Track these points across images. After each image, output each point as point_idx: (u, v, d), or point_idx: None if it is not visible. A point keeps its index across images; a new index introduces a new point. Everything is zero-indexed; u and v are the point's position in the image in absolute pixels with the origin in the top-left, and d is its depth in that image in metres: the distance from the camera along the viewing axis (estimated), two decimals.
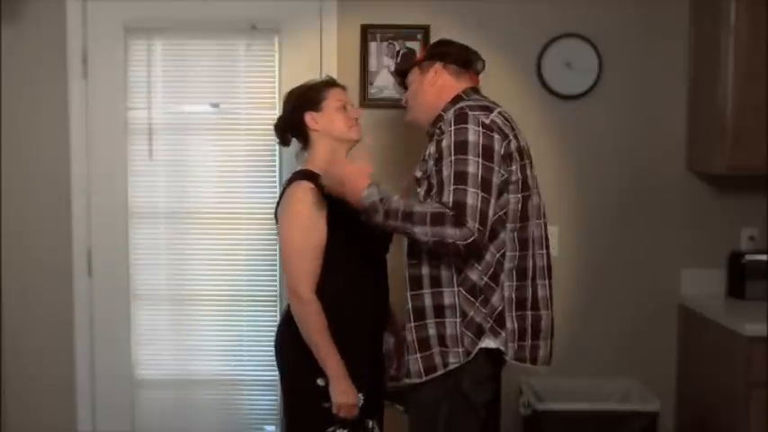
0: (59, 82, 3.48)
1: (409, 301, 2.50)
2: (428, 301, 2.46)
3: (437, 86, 2.61)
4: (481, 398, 2.51)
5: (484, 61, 2.69)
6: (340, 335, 2.59)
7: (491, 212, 2.35)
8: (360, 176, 2.47)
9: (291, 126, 2.77)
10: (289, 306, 2.69)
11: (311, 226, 2.58)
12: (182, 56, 3.55)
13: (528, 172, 2.49)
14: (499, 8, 3.49)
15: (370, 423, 2.68)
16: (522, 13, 3.50)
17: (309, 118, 2.71)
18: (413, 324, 2.49)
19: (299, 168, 2.75)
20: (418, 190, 2.52)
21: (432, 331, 2.46)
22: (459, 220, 2.30)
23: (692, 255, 3.57)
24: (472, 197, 2.32)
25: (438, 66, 2.63)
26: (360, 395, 2.61)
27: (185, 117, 3.56)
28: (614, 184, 3.56)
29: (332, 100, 2.73)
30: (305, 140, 2.77)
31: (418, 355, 2.48)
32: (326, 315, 2.58)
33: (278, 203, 2.70)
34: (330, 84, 2.78)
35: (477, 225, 2.31)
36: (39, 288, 3.54)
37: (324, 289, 2.60)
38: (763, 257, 3.47)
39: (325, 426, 2.60)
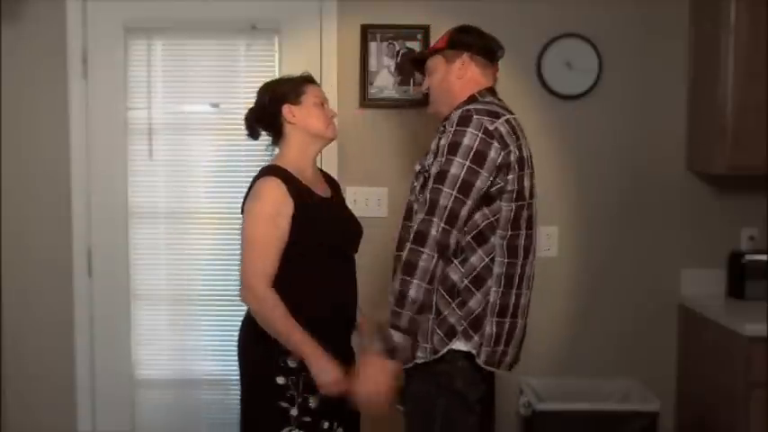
0: (59, 82, 3.48)
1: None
2: None
3: (465, 80, 2.57)
4: (474, 395, 2.51)
5: (504, 48, 2.66)
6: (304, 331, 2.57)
7: (464, 213, 2.35)
8: (381, 379, 2.42)
9: (265, 118, 2.71)
10: None
11: (273, 224, 2.54)
12: (182, 56, 3.56)
13: (525, 182, 2.47)
14: (499, 8, 3.49)
15: (326, 424, 2.61)
16: (522, 13, 3.50)
17: (287, 110, 2.67)
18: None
19: (269, 165, 2.69)
20: (414, 183, 2.52)
21: None
22: (416, 247, 2.31)
23: (692, 255, 3.57)
24: (445, 197, 2.34)
25: (466, 57, 2.58)
26: (317, 395, 2.56)
27: (185, 117, 3.56)
28: (614, 184, 3.56)
29: (311, 95, 2.69)
30: (277, 134, 2.72)
31: None
32: (292, 313, 2.55)
33: (245, 198, 2.65)
34: (309, 79, 2.75)
35: (441, 224, 2.32)
36: (39, 288, 3.54)
37: (291, 286, 2.56)
38: (763, 257, 3.47)
39: (281, 426, 2.56)
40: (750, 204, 3.56)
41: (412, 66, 2.87)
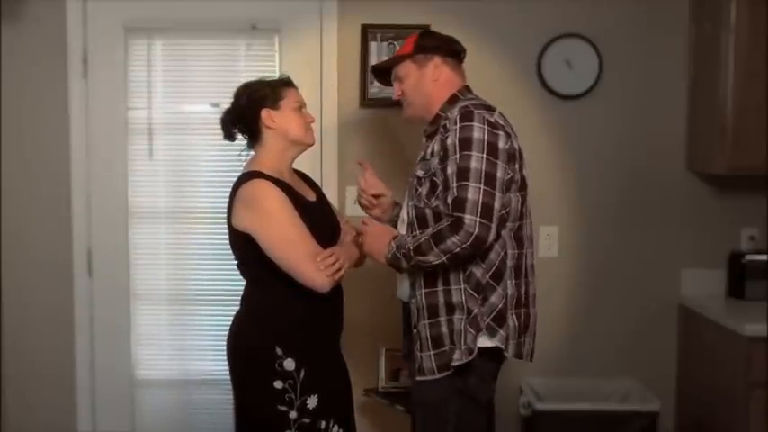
0: (59, 82, 3.48)
1: (423, 297, 2.51)
2: (441, 299, 2.48)
3: (440, 82, 2.58)
4: (485, 395, 2.53)
5: (465, 50, 2.68)
6: (297, 334, 2.56)
7: (497, 205, 2.37)
8: (381, 236, 2.55)
9: (243, 121, 2.65)
10: (240, 307, 2.67)
11: (293, 214, 2.52)
12: (182, 56, 3.56)
13: (524, 172, 2.52)
14: (499, 8, 3.49)
15: (323, 423, 2.58)
16: (522, 13, 3.50)
17: (266, 115, 2.60)
18: (427, 321, 2.50)
19: (248, 170, 2.60)
20: (419, 189, 2.52)
21: (444, 329, 2.48)
22: (455, 224, 2.33)
23: (692, 255, 3.57)
24: (473, 192, 2.34)
25: (437, 60, 2.59)
26: (315, 396, 2.56)
27: (185, 117, 3.56)
28: (614, 184, 3.56)
29: (290, 100, 2.64)
30: (254, 138, 2.66)
31: (432, 353, 2.49)
32: (282, 317, 2.55)
33: (229, 209, 2.58)
34: (288, 83, 2.69)
35: (477, 219, 2.32)
36: (39, 288, 3.54)
37: (279, 290, 2.55)
38: (763, 257, 3.46)
39: (281, 429, 2.54)
40: (750, 204, 3.55)
41: (374, 76, 2.84)
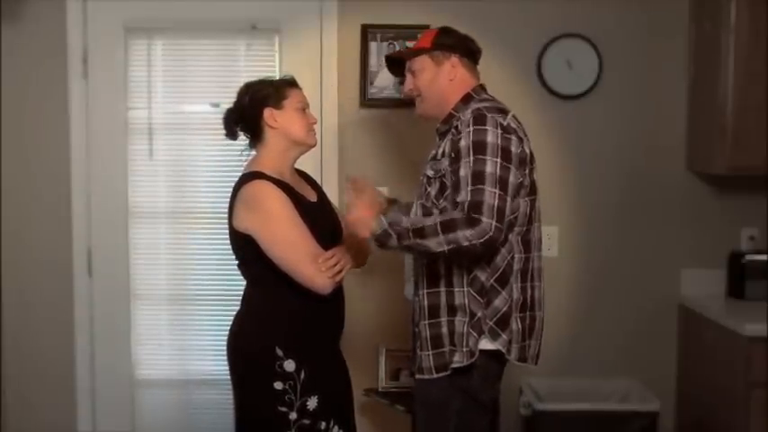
0: (59, 82, 3.48)
1: (425, 297, 2.51)
2: (443, 300, 2.48)
3: (455, 82, 2.57)
4: (488, 396, 2.53)
5: (481, 50, 2.67)
6: (298, 335, 2.56)
7: (508, 211, 2.36)
8: (371, 209, 2.47)
9: (245, 120, 2.65)
10: (240, 308, 2.67)
11: (294, 215, 2.52)
12: (182, 56, 3.56)
13: (534, 176, 2.52)
14: (499, 8, 3.49)
15: (323, 424, 2.58)
16: (522, 13, 3.50)
17: (269, 114, 2.60)
18: (427, 321, 2.50)
19: (249, 170, 2.61)
20: (428, 189, 2.52)
21: (444, 329, 2.47)
22: (471, 220, 2.31)
23: (692, 255, 3.57)
24: (489, 196, 2.33)
25: (455, 59, 2.57)
26: (315, 397, 2.57)
27: (185, 117, 3.56)
28: (614, 184, 3.56)
29: (293, 100, 2.64)
30: (256, 137, 2.66)
31: (431, 353, 2.49)
32: (283, 317, 2.56)
33: (231, 206, 2.59)
34: (292, 83, 2.69)
35: (493, 222, 2.31)
36: (39, 287, 3.54)
37: (280, 290, 2.55)
38: (763, 257, 3.46)
39: (281, 430, 2.54)
40: (750, 204, 3.55)
41: (387, 65, 2.80)
